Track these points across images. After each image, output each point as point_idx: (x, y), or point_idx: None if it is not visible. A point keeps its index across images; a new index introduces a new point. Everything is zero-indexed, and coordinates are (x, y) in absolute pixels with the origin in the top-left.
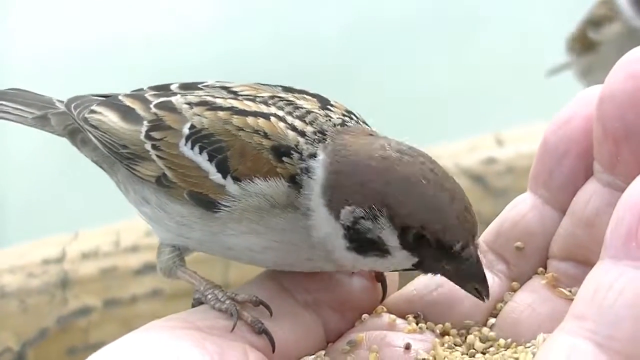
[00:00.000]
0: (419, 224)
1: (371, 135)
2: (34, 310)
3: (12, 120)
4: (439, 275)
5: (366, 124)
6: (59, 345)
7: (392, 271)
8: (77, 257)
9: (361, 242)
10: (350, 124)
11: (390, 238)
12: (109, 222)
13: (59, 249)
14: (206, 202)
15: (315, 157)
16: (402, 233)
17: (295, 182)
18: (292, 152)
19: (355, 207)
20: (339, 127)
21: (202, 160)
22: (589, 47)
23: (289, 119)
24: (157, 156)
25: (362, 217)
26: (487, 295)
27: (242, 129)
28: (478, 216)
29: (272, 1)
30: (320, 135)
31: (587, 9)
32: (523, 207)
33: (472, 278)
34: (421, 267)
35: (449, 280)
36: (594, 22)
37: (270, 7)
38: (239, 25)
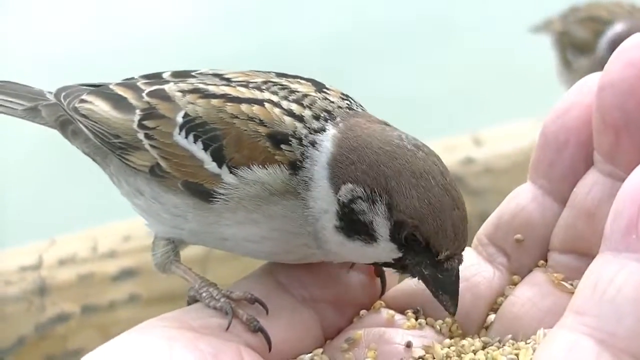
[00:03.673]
0: (415, 220)
1: (386, 124)
2: (11, 318)
3: (2, 112)
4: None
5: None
6: (37, 353)
7: (374, 264)
8: (54, 264)
9: (352, 223)
10: (358, 109)
11: (382, 226)
12: (86, 228)
13: (35, 255)
14: (201, 192)
15: (324, 131)
16: (395, 225)
17: (295, 168)
18: (291, 138)
19: (356, 186)
20: (347, 109)
21: (197, 149)
22: (565, 62)
23: (285, 103)
24: (151, 145)
25: (361, 198)
26: (454, 312)
27: (237, 117)
28: None
29: (261, 6)
30: (326, 114)
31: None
32: (523, 198)
33: (446, 290)
34: (400, 264)
35: None
36: (576, 46)
37: (259, 11)
38: (229, 28)
